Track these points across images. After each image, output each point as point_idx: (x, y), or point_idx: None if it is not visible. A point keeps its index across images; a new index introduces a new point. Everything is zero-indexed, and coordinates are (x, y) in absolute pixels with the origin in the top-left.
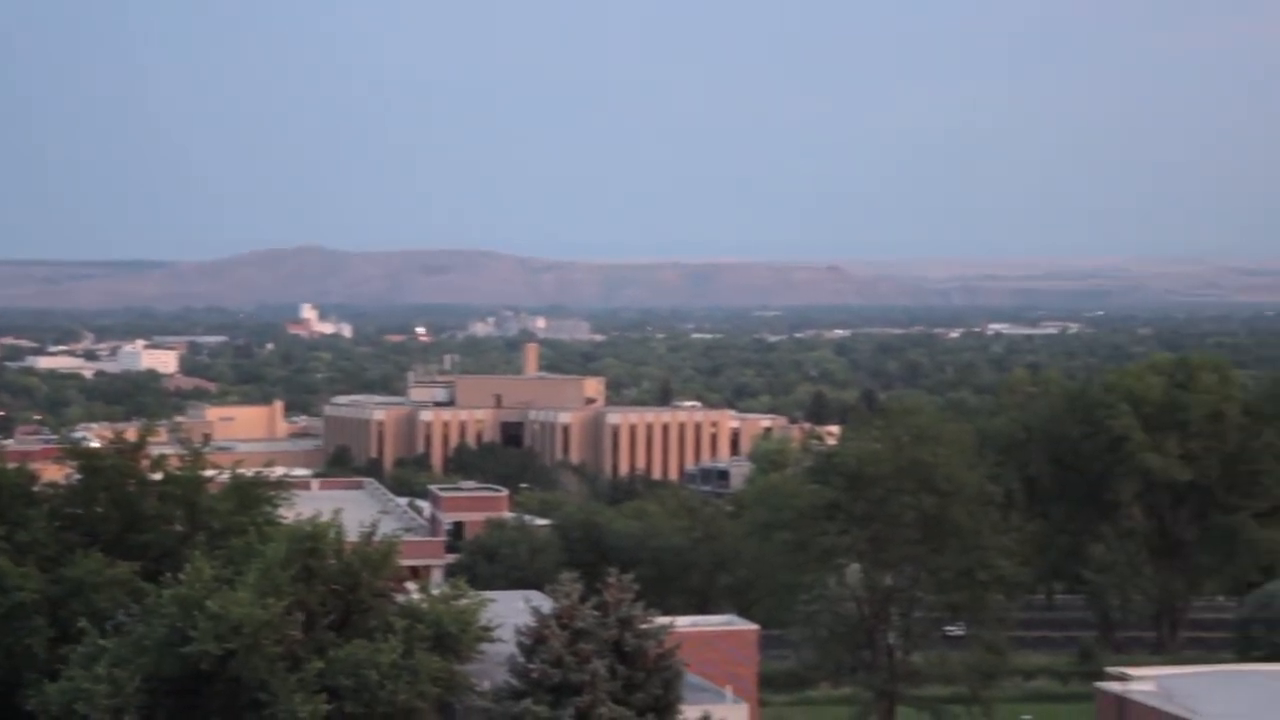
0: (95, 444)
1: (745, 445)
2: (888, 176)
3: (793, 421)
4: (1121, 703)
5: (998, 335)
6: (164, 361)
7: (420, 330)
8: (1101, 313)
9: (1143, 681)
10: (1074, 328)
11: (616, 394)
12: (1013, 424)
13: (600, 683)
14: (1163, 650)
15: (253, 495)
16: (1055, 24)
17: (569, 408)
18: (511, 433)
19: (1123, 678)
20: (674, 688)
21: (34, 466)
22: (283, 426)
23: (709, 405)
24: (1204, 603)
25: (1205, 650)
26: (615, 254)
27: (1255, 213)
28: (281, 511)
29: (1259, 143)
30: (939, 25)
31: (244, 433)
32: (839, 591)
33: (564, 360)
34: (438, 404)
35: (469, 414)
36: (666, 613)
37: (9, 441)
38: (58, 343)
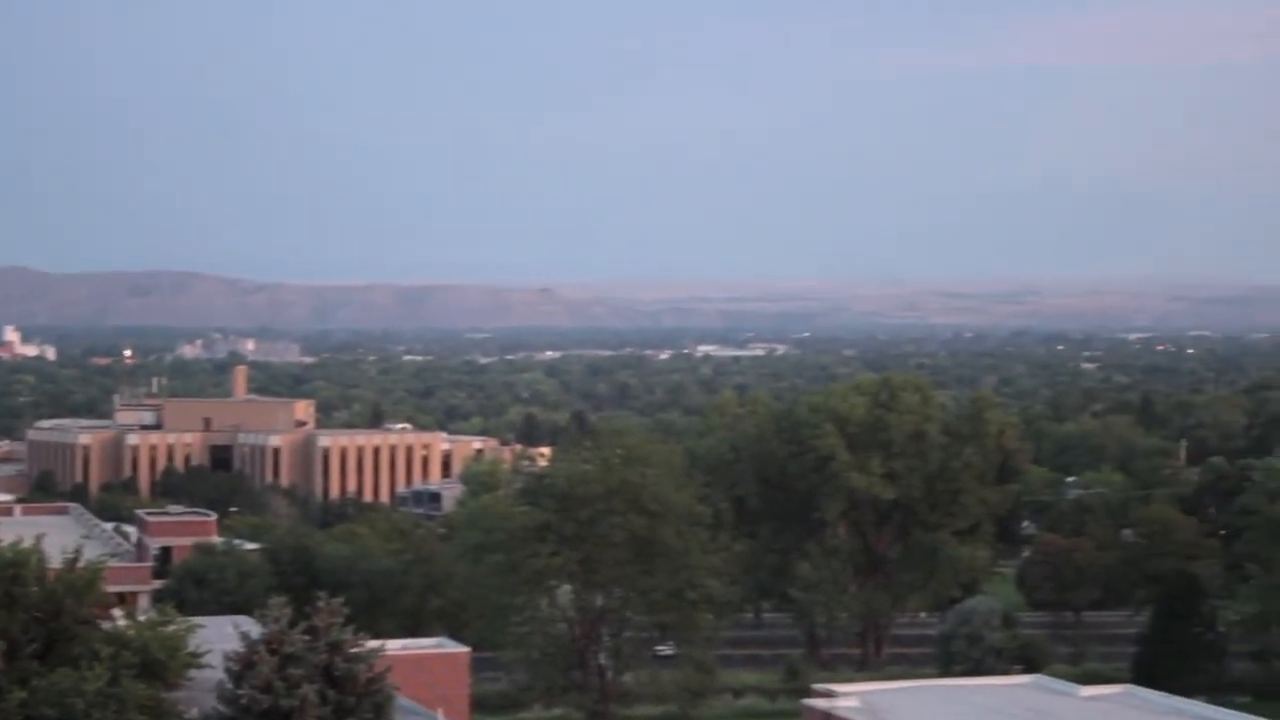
0: None
1: (457, 467)
2: (599, 199)
3: (504, 443)
4: (827, 719)
5: (706, 357)
6: None
7: (127, 353)
8: (807, 334)
9: (847, 698)
10: (781, 349)
11: (327, 416)
12: (721, 445)
13: (310, 708)
14: (867, 666)
15: None
16: (750, 48)
17: (279, 430)
18: (220, 456)
19: (828, 694)
20: (385, 712)
21: None
22: None
23: (420, 427)
24: (907, 619)
25: (909, 665)
26: (327, 276)
27: (953, 236)
28: None
29: (950, 166)
30: (651, 43)
31: None
32: (550, 613)
33: (274, 383)
34: (145, 427)
35: (177, 437)
36: (377, 636)
37: None
38: None
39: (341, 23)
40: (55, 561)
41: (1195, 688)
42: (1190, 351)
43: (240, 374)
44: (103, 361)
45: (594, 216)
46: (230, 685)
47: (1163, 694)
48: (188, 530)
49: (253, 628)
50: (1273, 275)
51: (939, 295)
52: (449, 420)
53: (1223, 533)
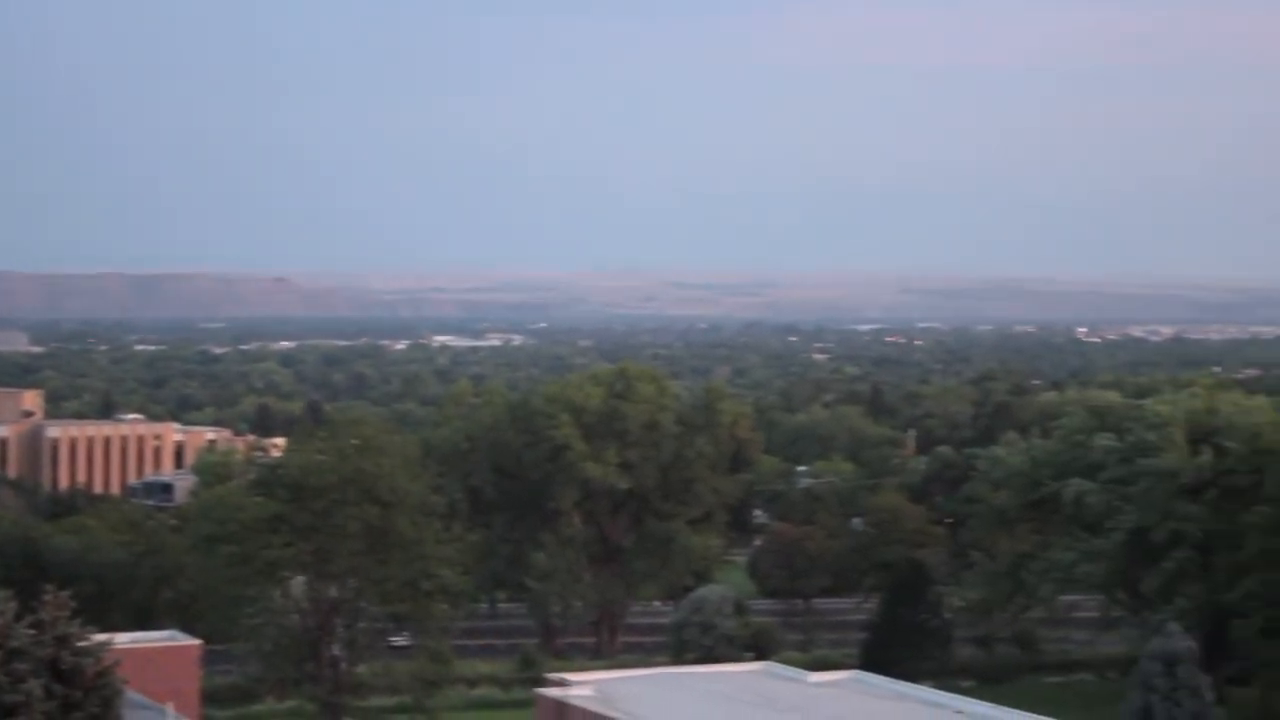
0: None
1: (190, 458)
2: (335, 189)
3: (238, 434)
4: (561, 708)
5: (443, 347)
6: None
7: None
8: (544, 325)
9: (581, 686)
10: (518, 340)
11: (56, 407)
12: (456, 435)
13: (36, 703)
14: (602, 655)
15: None
16: (500, 43)
17: (5, 421)
18: None
19: (562, 683)
20: (113, 706)
21: None
22: None
23: (152, 418)
24: (641, 607)
25: (643, 654)
26: (56, 263)
27: (690, 229)
28: None
29: (693, 160)
30: (400, 37)
31: None
32: (283, 604)
33: (0, 373)
34: None
35: None
36: (107, 629)
37: None
38: None
39: (79, 9)
40: None
41: (922, 673)
42: (919, 343)
43: None
44: None
45: (330, 206)
46: None
47: (890, 679)
48: None
49: None
50: (998, 269)
51: (675, 287)
52: (182, 411)
53: (949, 521)
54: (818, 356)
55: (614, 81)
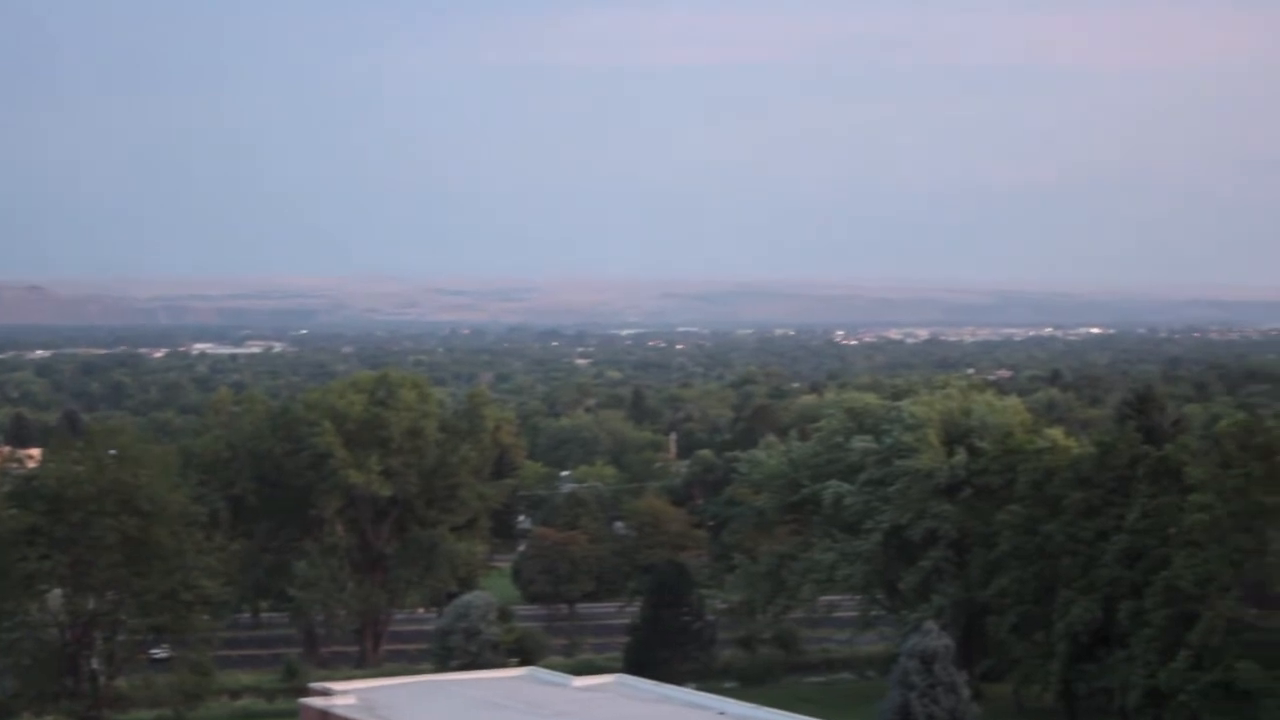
0: None
1: None
2: (76, 194)
3: None
4: (324, 717)
5: (203, 355)
6: None
7: None
8: (306, 332)
9: (345, 695)
10: (279, 347)
11: None
12: (217, 443)
13: None
14: (366, 663)
15: None
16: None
17: None
18: None
19: (326, 692)
20: None
21: None
22: None
23: None
24: (405, 615)
25: (407, 662)
26: None
27: (452, 234)
28: None
29: (453, 165)
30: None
31: None
32: (40, 618)
33: None
34: None
35: None
36: None
37: None
38: None
39: None
40: None
41: (685, 675)
42: (680, 347)
43: None
44: None
45: (87, 213)
46: None
47: (653, 682)
48: None
49: None
50: (757, 273)
51: (438, 292)
52: None
53: (711, 523)
54: (580, 361)
55: (370, 85)
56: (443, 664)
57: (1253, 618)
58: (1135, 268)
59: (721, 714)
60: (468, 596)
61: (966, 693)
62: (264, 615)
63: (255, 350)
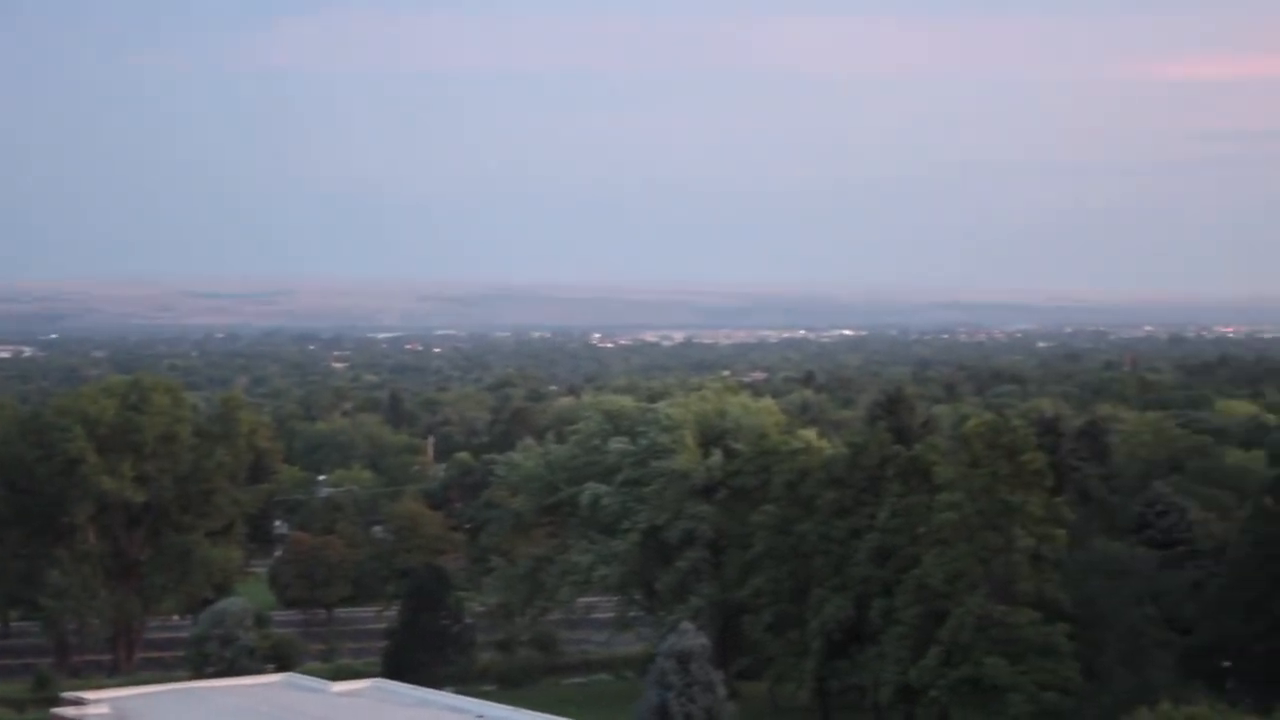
0: None
1: None
2: None
3: None
4: None
5: None
6: None
7: None
8: (55, 336)
9: (98, 705)
10: (28, 351)
11: None
12: None
13: None
14: (119, 672)
15: None
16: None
17: None
18: None
19: (78, 702)
20: None
21: None
22: None
23: None
24: (160, 623)
25: (162, 670)
26: None
27: (206, 236)
28: None
29: (193, 164)
30: None
31: None
32: None
33: None
34: None
35: None
36: None
37: None
38: None
39: None
40: None
41: (444, 678)
42: (437, 350)
43: None
44: None
45: None
46: None
47: (411, 686)
48: None
49: None
50: (514, 276)
51: (192, 296)
52: None
53: (469, 526)
54: (337, 365)
55: (122, 86)
56: (198, 671)
57: (1000, 614)
58: (885, 271)
59: (480, 717)
60: (223, 603)
61: (723, 691)
62: (15, 625)
63: (4, 355)
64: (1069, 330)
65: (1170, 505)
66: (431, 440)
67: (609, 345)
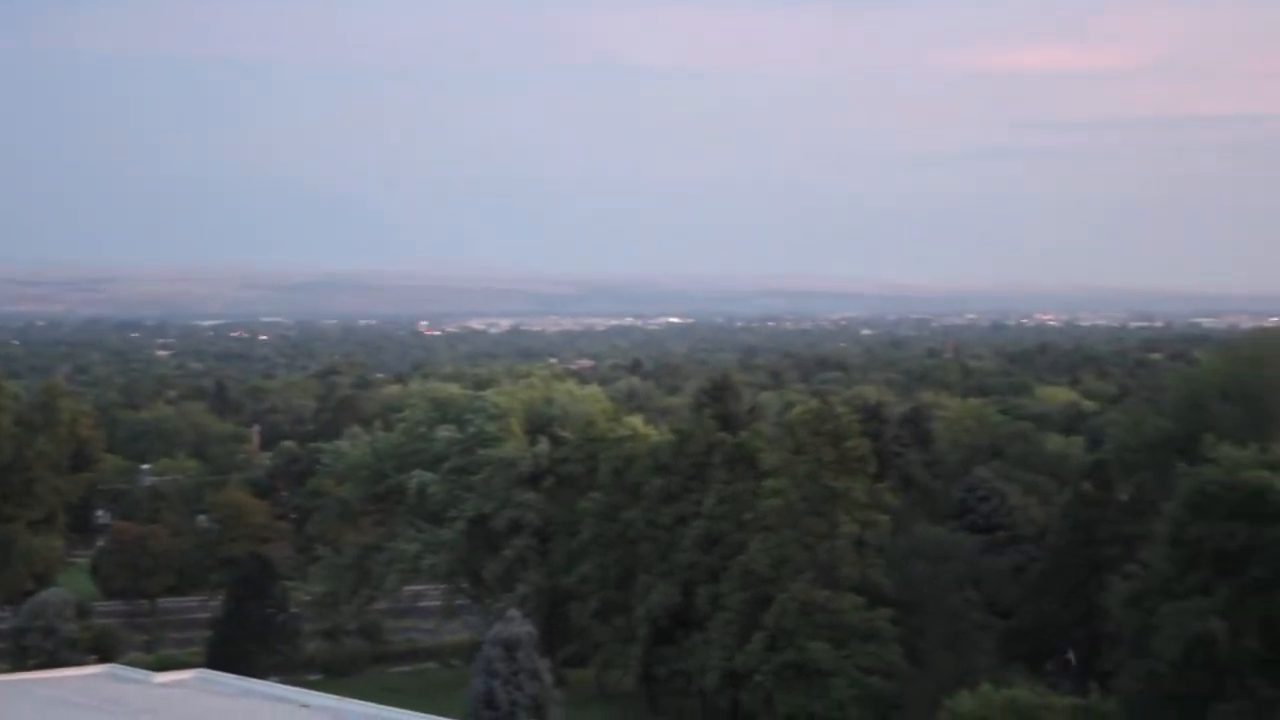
0: None
1: None
2: None
3: None
4: None
5: None
6: None
7: None
8: None
9: None
10: None
11: None
12: None
13: None
14: None
15: None
16: None
17: None
18: None
19: None
20: None
21: None
22: None
23: None
24: None
25: None
26: None
27: (30, 222)
28: None
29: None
30: None
31: None
32: None
33: None
34: None
35: None
36: None
37: None
38: None
39: None
40: None
41: (269, 668)
42: (263, 338)
43: None
44: None
45: None
46: None
47: (236, 676)
48: None
49: None
50: (341, 264)
51: (13, 284)
52: None
53: (295, 515)
54: (161, 353)
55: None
56: (18, 664)
57: (824, 599)
58: (713, 259)
59: (305, 706)
60: (44, 594)
61: (549, 679)
62: None
63: None
64: (893, 318)
65: (991, 490)
66: (257, 429)
67: (436, 333)
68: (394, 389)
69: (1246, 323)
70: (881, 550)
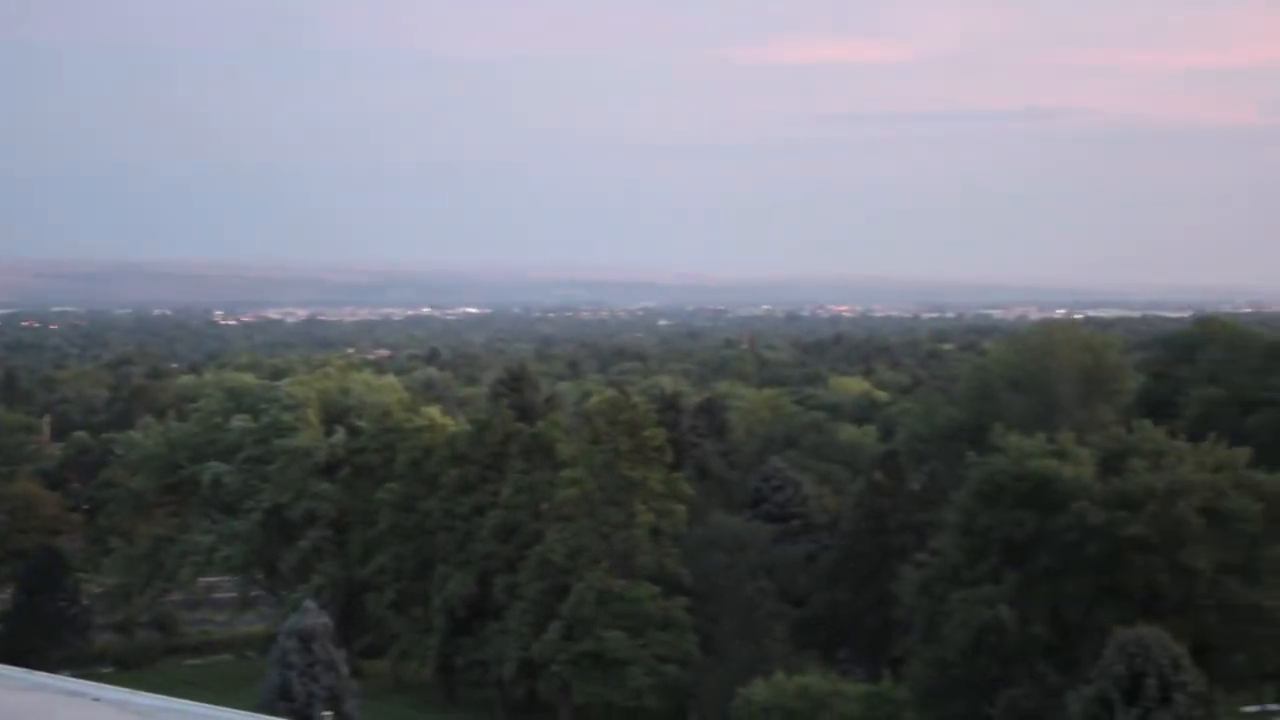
0: None
1: None
2: None
3: None
4: None
5: None
6: None
7: None
8: None
9: None
10: None
11: None
12: None
13: None
14: None
15: None
16: None
17: None
18: None
19: None
20: None
21: None
22: None
23: None
24: None
25: None
26: None
27: None
28: None
29: None
30: None
31: None
32: None
33: None
34: None
35: None
36: None
37: None
38: None
39: None
40: None
41: (60, 661)
42: (54, 328)
43: None
44: None
45: None
46: None
47: (26, 670)
48: None
49: None
50: (134, 253)
51: None
52: None
53: (87, 506)
54: None
55: None
56: None
57: (620, 588)
58: (511, 249)
59: (96, 699)
60: None
61: (346, 670)
62: None
63: None
64: (690, 309)
65: (785, 480)
66: (48, 419)
67: (232, 323)
68: (188, 379)
69: (1034, 314)
70: (677, 539)
